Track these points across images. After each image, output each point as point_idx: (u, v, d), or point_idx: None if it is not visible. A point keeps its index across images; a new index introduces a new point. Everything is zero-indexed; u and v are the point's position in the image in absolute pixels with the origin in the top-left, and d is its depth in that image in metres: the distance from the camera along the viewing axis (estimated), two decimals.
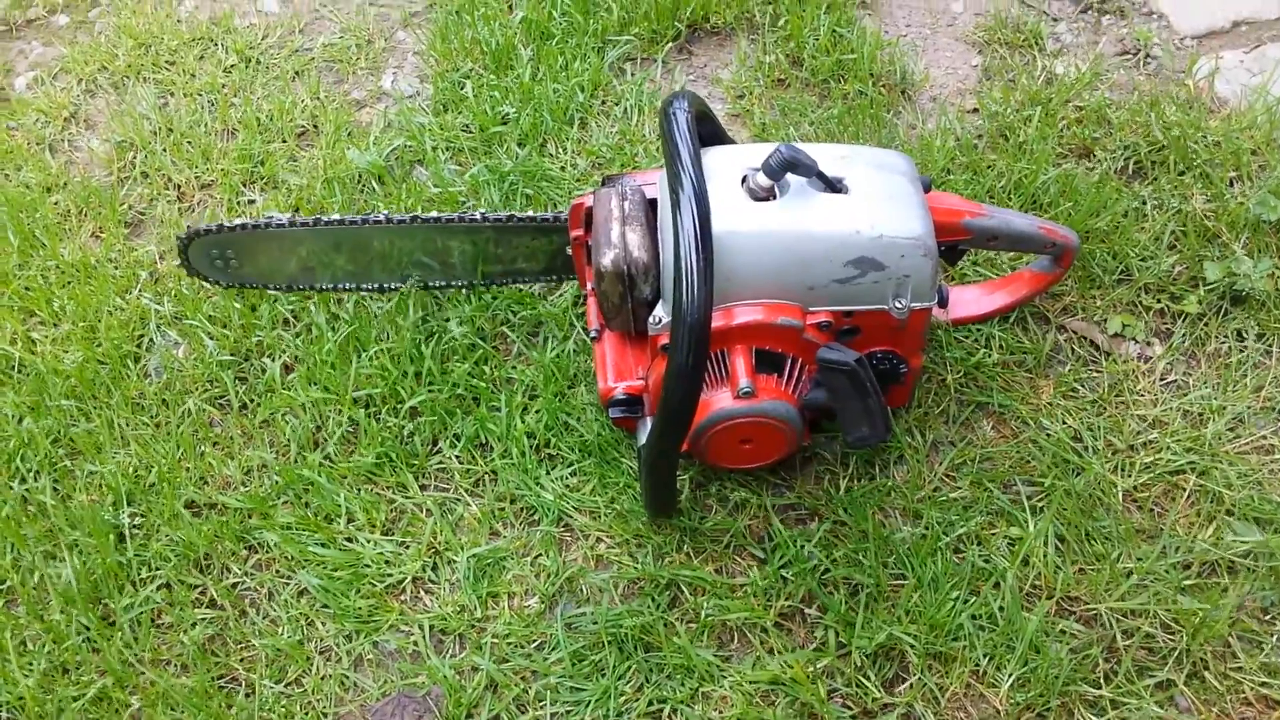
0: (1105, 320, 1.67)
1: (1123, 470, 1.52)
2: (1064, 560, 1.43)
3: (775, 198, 1.33)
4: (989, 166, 1.83)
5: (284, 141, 2.03)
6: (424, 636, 1.43)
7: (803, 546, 1.44)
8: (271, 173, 1.96)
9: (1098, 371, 1.63)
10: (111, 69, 2.23)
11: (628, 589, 1.45)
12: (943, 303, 1.43)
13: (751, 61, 2.09)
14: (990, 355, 1.63)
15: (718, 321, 1.33)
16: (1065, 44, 2.09)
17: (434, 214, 1.57)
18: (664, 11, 2.14)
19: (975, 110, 1.98)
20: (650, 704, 1.36)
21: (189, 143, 2.04)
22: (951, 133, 1.90)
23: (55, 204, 1.97)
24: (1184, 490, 1.49)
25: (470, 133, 1.98)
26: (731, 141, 1.49)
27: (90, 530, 1.50)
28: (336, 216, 1.57)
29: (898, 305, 1.36)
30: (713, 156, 1.36)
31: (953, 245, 1.48)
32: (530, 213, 1.58)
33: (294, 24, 2.30)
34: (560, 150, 1.94)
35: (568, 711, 1.36)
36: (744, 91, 2.06)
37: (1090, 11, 2.17)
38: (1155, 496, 1.49)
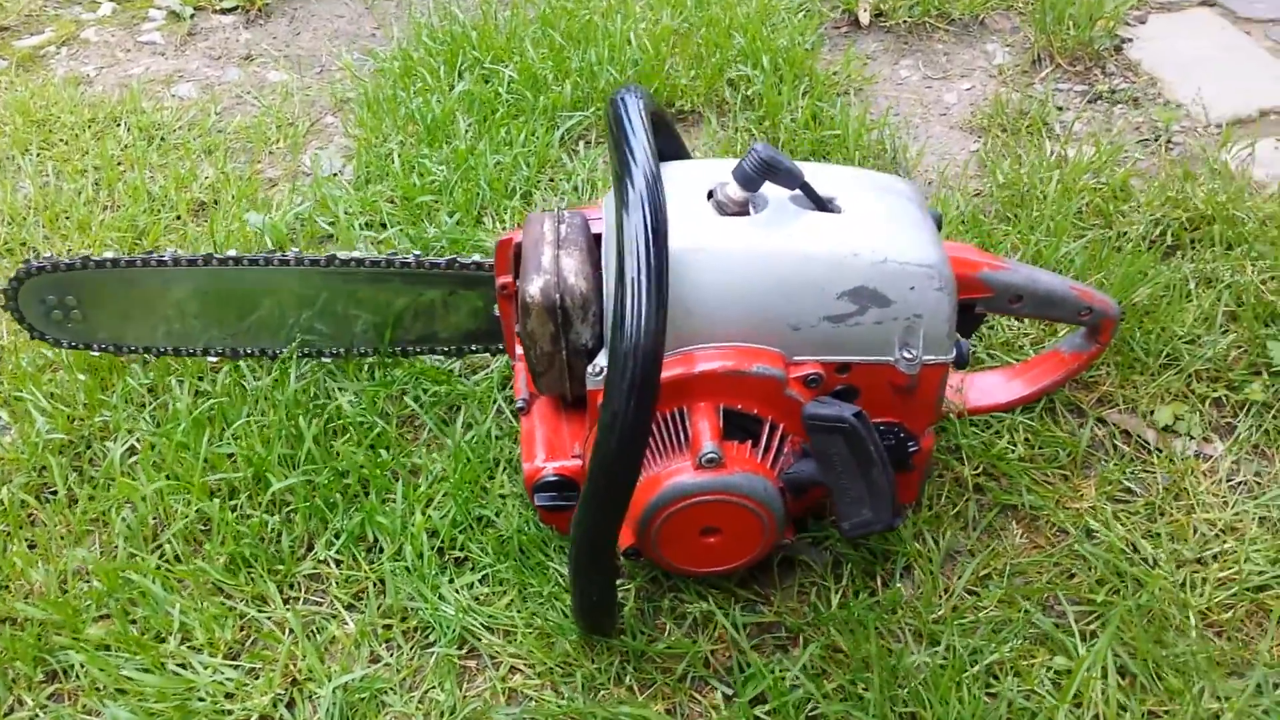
0: (1152, 412, 1.36)
1: (1193, 586, 1.17)
2: (1130, 698, 1.07)
3: (749, 213, 1.05)
4: (1002, 238, 1.55)
5: (177, 217, 1.73)
6: None
7: (783, 676, 1.07)
8: (153, 244, 1.66)
9: (1148, 470, 1.30)
10: None
11: None
12: (961, 361, 1.12)
13: (722, 139, 1.84)
14: (1014, 449, 1.31)
15: (674, 370, 1.02)
16: (1075, 132, 1.86)
17: (318, 255, 1.27)
18: None
19: (979, 194, 1.72)
20: None
21: (66, 216, 1.74)
22: (954, 206, 1.63)
23: None
24: (1273, 611, 1.15)
25: (394, 204, 1.69)
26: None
27: None
28: (196, 255, 1.26)
29: (906, 356, 1.05)
30: (673, 170, 1.08)
31: (969, 305, 1.17)
32: (446, 257, 1.28)
33: (209, 107, 2.05)
34: (498, 224, 1.66)
35: None
36: None
37: (1100, 101, 1.96)
38: (1239, 618, 1.15)
